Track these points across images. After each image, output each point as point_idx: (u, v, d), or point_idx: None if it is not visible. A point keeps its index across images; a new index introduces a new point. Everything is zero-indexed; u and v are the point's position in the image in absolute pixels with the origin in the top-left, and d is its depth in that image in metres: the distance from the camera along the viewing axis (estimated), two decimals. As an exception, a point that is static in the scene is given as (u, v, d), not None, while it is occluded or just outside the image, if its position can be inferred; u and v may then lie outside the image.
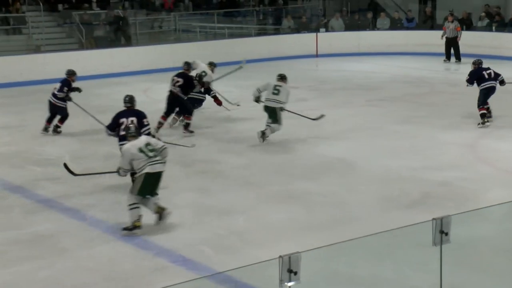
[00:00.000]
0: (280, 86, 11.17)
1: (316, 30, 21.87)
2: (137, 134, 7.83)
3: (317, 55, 21.17)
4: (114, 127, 8.90)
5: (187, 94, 11.84)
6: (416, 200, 8.36)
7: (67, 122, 12.05)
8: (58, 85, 11.94)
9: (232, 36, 21.35)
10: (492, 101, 12.09)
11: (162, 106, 11.97)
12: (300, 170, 9.77)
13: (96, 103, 13.69)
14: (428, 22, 21.93)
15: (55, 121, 12.07)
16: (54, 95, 11.91)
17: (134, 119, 8.77)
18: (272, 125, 11.13)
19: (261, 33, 22.30)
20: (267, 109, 11.14)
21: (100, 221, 7.86)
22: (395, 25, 22.06)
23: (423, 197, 8.45)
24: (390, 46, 21.06)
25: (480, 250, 5.51)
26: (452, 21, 18.93)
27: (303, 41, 21.15)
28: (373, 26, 22.25)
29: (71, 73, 12.04)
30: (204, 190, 8.98)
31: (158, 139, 8.52)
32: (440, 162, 9.95)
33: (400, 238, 4.43)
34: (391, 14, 22.56)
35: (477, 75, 12.00)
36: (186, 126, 11.89)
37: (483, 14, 21.06)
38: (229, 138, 11.62)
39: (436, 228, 4.09)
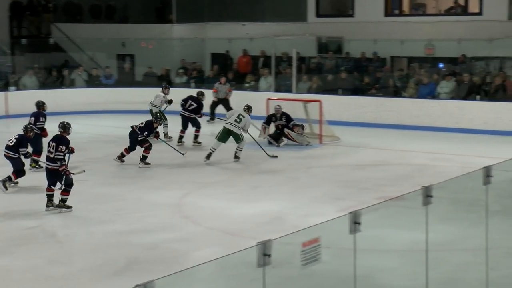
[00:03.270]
0: (243, 116, 14.19)
1: (5, 88, 21.21)
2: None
3: (8, 116, 20.47)
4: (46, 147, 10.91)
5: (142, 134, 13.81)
6: (123, 267, 8.47)
7: None
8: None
9: None
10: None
11: None
12: (-5, 245, 9.33)
13: None
14: (127, 79, 22.58)
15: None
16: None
17: (54, 144, 10.64)
18: (238, 144, 14.15)
19: None
20: (230, 132, 14.10)
21: None
22: (93, 83, 22.30)
23: (130, 263, 8.59)
24: (90, 105, 21.19)
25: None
26: (225, 83, 19.56)
27: (-9, 101, 20.36)
28: (70, 84, 22.25)
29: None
30: None
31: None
32: (148, 224, 10.23)
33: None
34: (89, 71, 22.78)
35: None
36: (143, 159, 13.85)
37: (181, 70, 22.27)
38: None
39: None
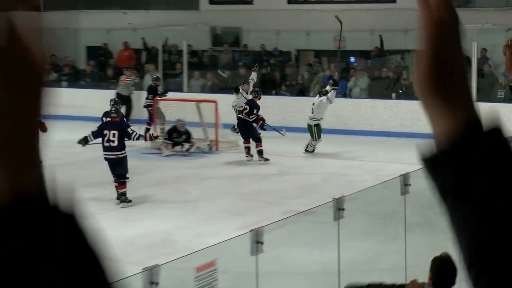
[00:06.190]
0: (313, 103, 16.05)
1: None
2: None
3: None
4: (96, 135, 11.99)
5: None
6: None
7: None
8: None
9: None
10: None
11: None
12: None
13: None
14: None
15: None
16: None
17: (116, 132, 11.67)
18: (311, 141, 15.94)
19: None
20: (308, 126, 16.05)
21: None
22: None
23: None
24: None
25: None
26: (130, 76, 18.88)
27: None
28: None
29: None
30: None
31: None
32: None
33: None
34: None
35: None
36: (260, 153, 15.19)
37: (49, 66, 21.78)
38: None
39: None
